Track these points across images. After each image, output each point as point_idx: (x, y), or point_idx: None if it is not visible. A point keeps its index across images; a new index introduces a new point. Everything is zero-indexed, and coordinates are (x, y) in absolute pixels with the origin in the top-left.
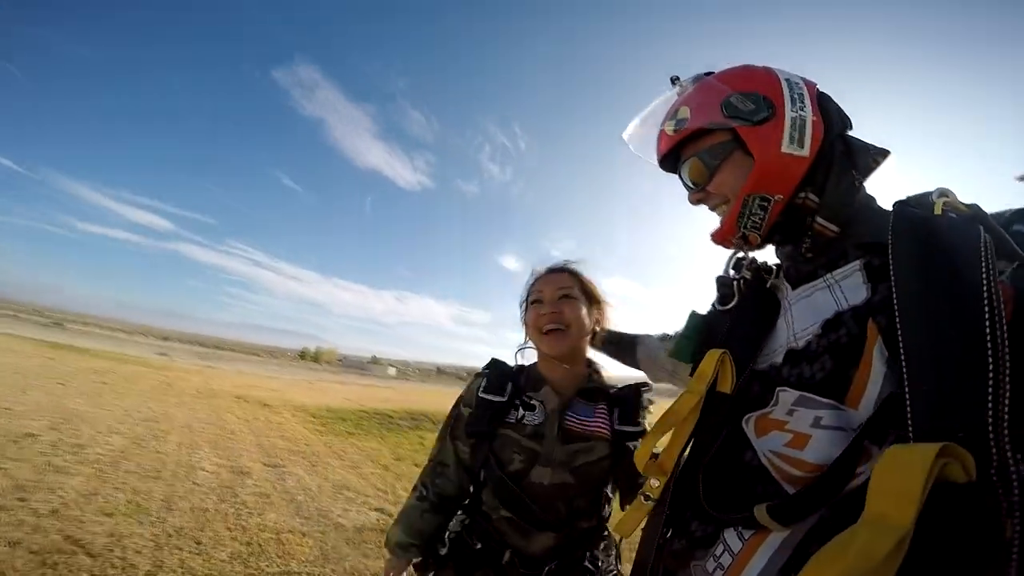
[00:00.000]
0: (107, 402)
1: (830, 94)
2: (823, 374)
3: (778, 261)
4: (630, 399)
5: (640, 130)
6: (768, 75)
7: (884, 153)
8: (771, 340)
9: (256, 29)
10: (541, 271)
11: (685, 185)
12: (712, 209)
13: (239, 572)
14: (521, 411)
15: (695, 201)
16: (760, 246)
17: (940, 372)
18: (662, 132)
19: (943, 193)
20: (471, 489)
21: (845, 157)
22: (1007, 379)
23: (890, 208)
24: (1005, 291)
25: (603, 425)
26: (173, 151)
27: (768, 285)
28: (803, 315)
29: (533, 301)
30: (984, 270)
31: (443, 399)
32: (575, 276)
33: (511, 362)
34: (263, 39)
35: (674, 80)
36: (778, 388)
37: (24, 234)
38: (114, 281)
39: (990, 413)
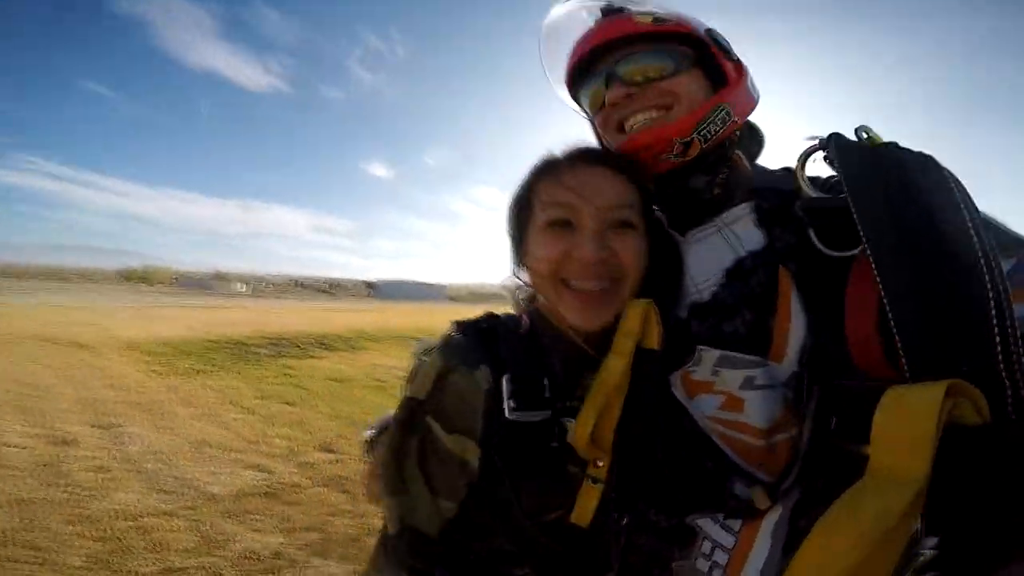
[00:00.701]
0: None
1: None
2: (745, 329)
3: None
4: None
5: (566, 20)
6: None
7: (763, 140)
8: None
9: None
10: (563, 157)
11: (621, 79)
12: (637, 112)
13: None
14: (559, 427)
15: (622, 97)
16: (684, 161)
17: (933, 307)
18: (625, 18)
19: (865, 130)
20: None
21: (752, 130)
22: (1011, 310)
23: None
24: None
25: None
26: None
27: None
28: (699, 263)
29: (553, 221)
30: (962, 201)
31: (307, 316)
32: (644, 184)
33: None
34: None
35: None
36: (698, 347)
37: None
38: None
39: (998, 343)
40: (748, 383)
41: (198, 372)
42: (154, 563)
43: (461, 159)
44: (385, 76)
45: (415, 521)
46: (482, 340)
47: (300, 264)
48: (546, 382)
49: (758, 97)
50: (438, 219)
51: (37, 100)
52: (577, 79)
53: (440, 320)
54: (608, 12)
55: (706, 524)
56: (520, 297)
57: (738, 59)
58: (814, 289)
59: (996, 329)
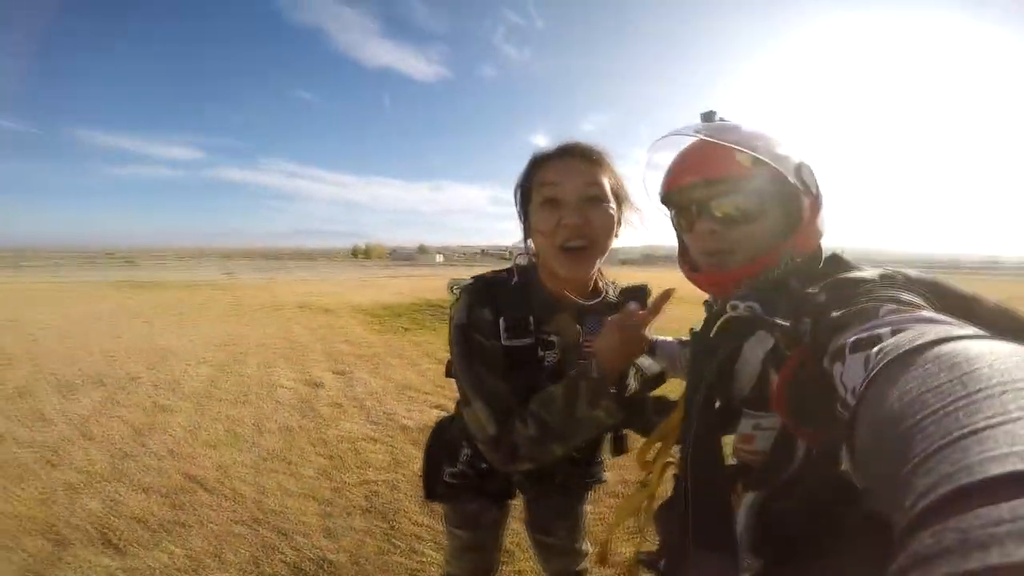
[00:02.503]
0: (189, 333)
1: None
2: (759, 393)
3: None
4: (643, 302)
5: (668, 146)
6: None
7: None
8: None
9: None
10: (551, 151)
11: (711, 214)
12: (710, 249)
13: (326, 487)
14: (539, 351)
15: (708, 233)
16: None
17: None
18: (725, 153)
19: (733, 306)
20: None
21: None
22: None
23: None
24: (800, 352)
25: None
26: (186, 87)
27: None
28: (750, 362)
29: (546, 200)
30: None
31: None
32: (606, 168)
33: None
34: None
35: (709, 116)
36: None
37: (73, 191)
38: (171, 214)
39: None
40: (758, 426)
41: (406, 329)
42: (357, 476)
43: (614, 123)
44: (530, 50)
45: (506, 407)
46: (488, 288)
47: (484, 235)
48: (531, 319)
49: (824, 229)
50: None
51: (264, 111)
52: (671, 196)
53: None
54: (709, 136)
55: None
56: (516, 258)
57: (817, 192)
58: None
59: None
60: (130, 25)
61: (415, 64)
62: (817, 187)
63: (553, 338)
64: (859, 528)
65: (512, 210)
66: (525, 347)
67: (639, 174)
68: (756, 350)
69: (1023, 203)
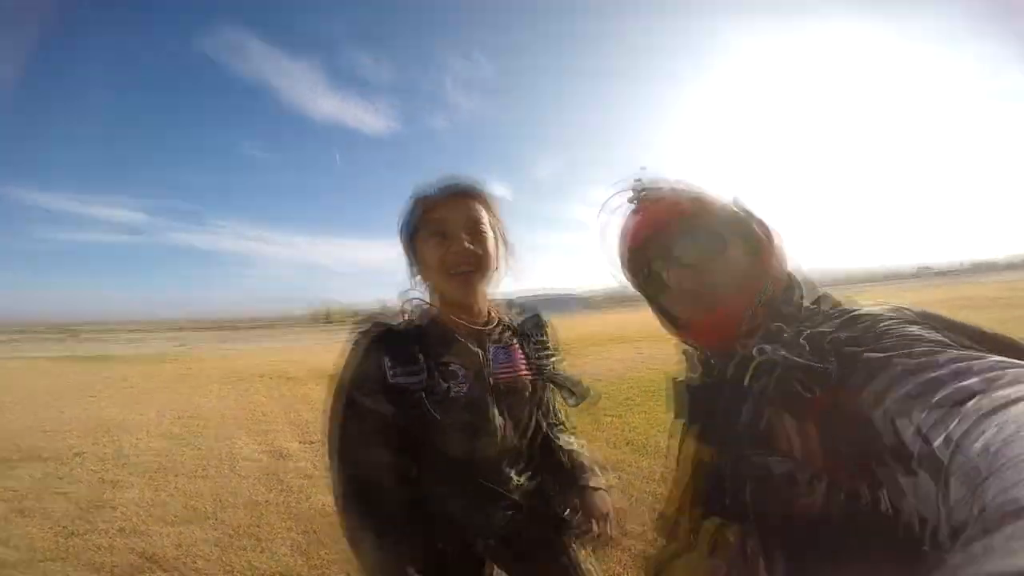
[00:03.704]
0: (139, 407)
1: None
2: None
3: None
4: (538, 326)
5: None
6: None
7: (800, 283)
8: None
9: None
10: (433, 193)
11: (682, 261)
12: (696, 298)
13: (302, 565)
14: (443, 383)
15: (684, 275)
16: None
17: None
18: (660, 199)
19: (761, 351)
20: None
21: (790, 282)
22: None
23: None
24: (831, 390)
25: (524, 364)
26: (122, 143)
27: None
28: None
29: (434, 234)
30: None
31: None
32: (487, 205)
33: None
34: (175, 9)
35: (639, 182)
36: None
37: (15, 256)
38: (114, 283)
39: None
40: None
41: None
42: (336, 552)
43: (569, 165)
44: (479, 97)
45: (366, 476)
46: (382, 336)
47: None
48: (420, 357)
49: (785, 255)
50: (562, 228)
51: (210, 169)
52: (635, 257)
53: (575, 330)
54: (646, 198)
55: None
56: (403, 304)
57: (761, 219)
58: None
59: None
60: (60, 76)
61: (363, 116)
62: (757, 215)
63: (455, 367)
64: (892, 567)
65: None
66: (417, 386)
67: (596, 242)
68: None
69: (926, 211)
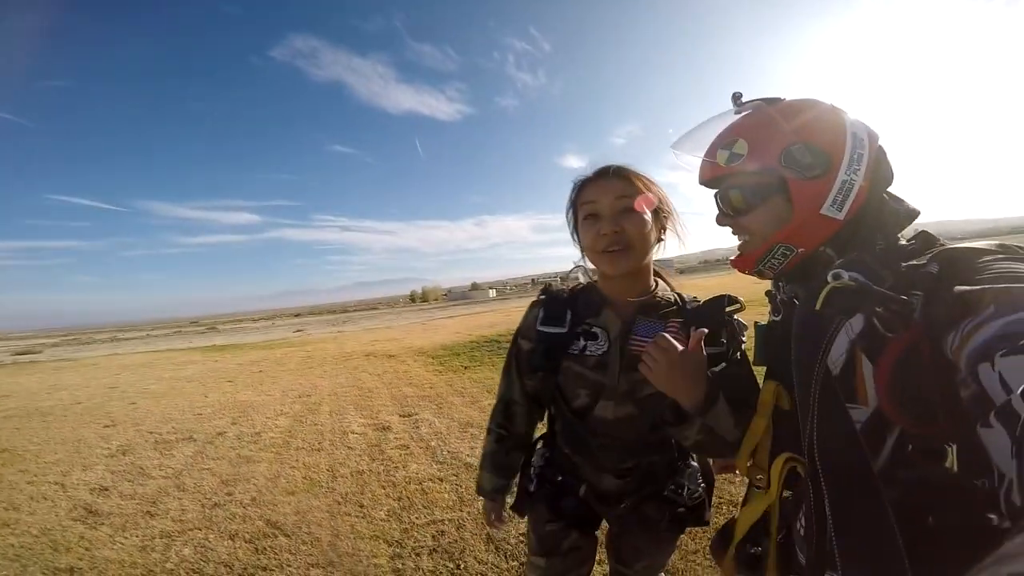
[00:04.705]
0: (267, 388)
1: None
2: (846, 385)
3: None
4: (713, 316)
5: (689, 143)
6: (836, 127)
7: (912, 216)
8: None
9: (235, 19)
10: (589, 175)
11: (719, 206)
12: (735, 234)
13: (395, 528)
14: (583, 341)
15: (722, 223)
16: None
17: None
18: (711, 161)
19: (836, 275)
20: (548, 422)
21: (876, 221)
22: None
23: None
24: (912, 332)
25: None
26: (233, 155)
27: None
28: (835, 348)
29: (587, 216)
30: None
31: None
32: (634, 181)
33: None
34: (248, 26)
35: (736, 98)
36: None
37: (153, 262)
38: (242, 278)
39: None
40: None
41: (465, 368)
42: (425, 516)
43: (646, 129)
44: (544, 73)
45: (510, 395)
46: (546, 296)
47: (533, 264)
48: (568, 315)
49: (848, 213)
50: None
51: (307, 169)
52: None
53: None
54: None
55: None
56: (570, 276)
57: (821, 171)
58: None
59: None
60: (173, 101)
61: (436, 104)
62: (821, 160)
63: (596, 329)
64: (953, 535)
65: (554, 235)
66: (557, 336)
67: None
68: (842, 335)
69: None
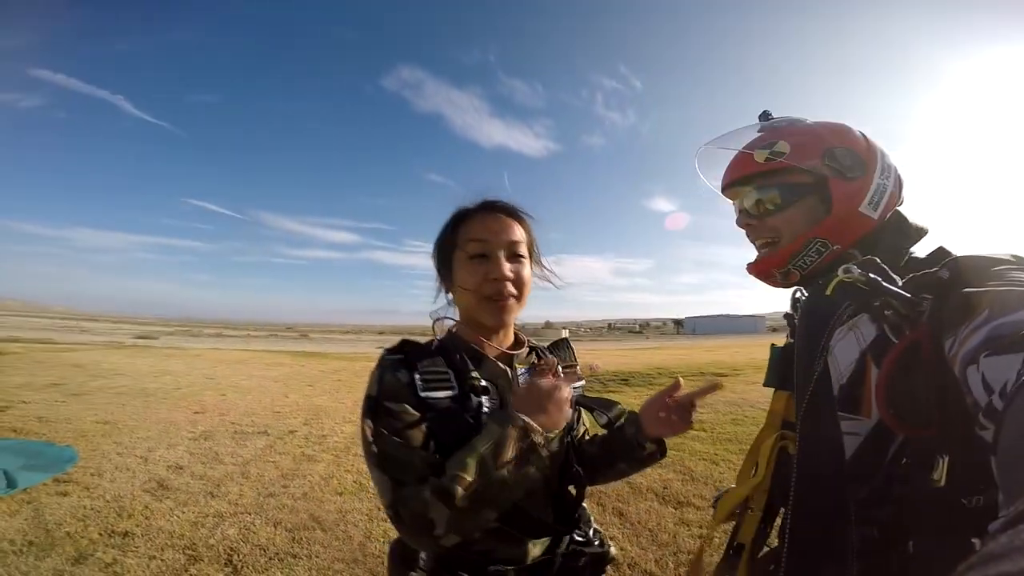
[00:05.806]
0: (342, 396)
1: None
2: (851, 395)
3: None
4: (566, 353)
5: (712, 150)
6: (867, 141)
7: (922, 233)
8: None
9: (352, 45)
10: (471, 207)
11: (742, 210)
12: (753, 240)
13: None
14: (474, 399)
15: (744, 225)
16: (789, 285)
17: None
18: (747, 156)
19: (847, 269)
20: None
21: (899, 230)
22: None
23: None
24: (916, 332)
25: None
26: (339, 176)
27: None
28: (844, 355)
29: (475, 255)
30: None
31: (614, 356)
32: (525, 223)
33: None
34: (363, 53)
35: (766, 116)
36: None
37: (259, 269)
38: (333, 293)
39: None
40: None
41: None
42: None
43: None
44: (633, 112)
45: (408, 476)
46: (412, 354)
47: (610, 308)
48: (450, 371)
49: (880, 214)
50: (741, 242)
51: (404, 195)
52: (726, 196)
53: (747, 354)
54: (713, 145)
55: None
56: (435, 323)
57: (860, 173)
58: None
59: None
60: (295, 120)
61: (524, 140)
62: (859, 163)
63: (484, 383)
64: (945, 544)
65: (635, 280)
66: (448, 399)
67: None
68: (852, 343)
69: None
